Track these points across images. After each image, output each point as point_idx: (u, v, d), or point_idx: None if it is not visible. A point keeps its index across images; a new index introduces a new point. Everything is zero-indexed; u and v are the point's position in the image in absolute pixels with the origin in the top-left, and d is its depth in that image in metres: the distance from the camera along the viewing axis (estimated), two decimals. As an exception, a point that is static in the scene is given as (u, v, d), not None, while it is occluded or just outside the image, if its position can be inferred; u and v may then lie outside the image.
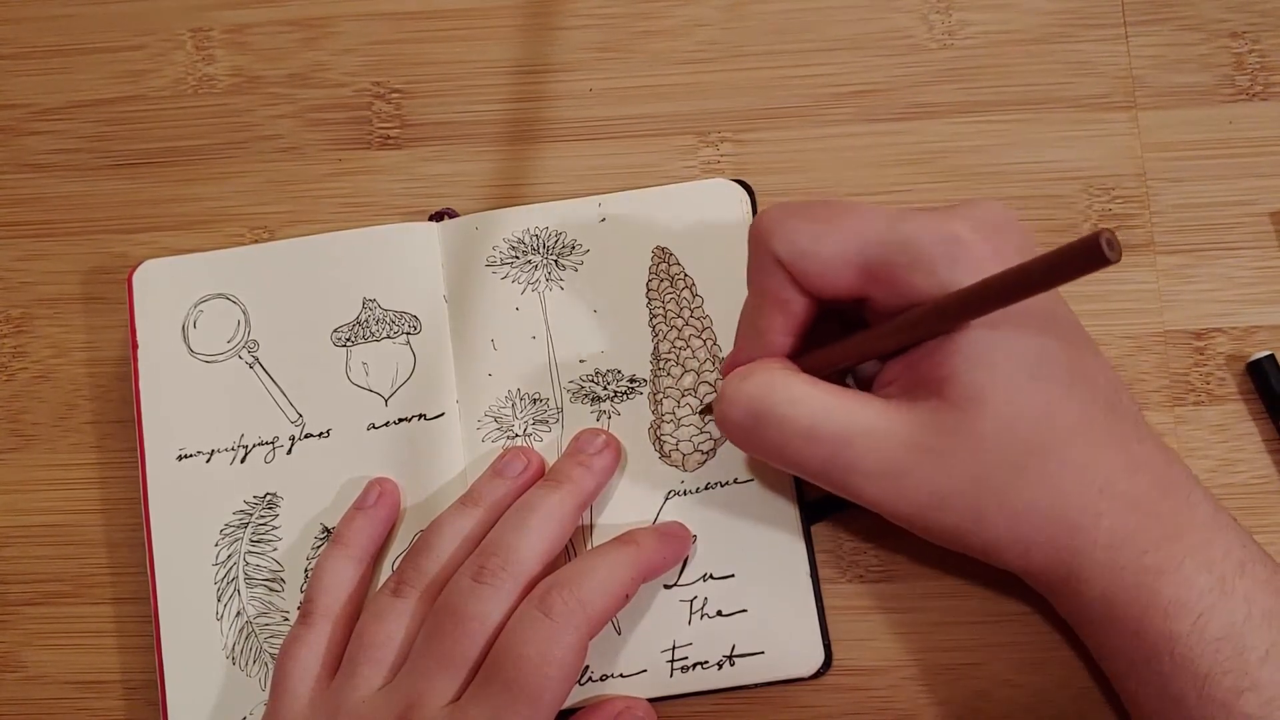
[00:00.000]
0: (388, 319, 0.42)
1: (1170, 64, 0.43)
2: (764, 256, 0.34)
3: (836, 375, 0.36)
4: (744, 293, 0.38)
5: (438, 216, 0.43)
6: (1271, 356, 0.40)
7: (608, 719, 0.38)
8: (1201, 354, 0.41)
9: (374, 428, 0.42)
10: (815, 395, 0.34)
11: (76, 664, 0.42)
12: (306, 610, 0.39)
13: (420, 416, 0.42)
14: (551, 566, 0.37)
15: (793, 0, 0.44)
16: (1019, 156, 0.43)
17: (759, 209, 0.42)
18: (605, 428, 0.41)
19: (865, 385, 0.38)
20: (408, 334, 0.42)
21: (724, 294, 0.41)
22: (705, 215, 0.42)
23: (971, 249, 0.32)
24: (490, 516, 0.39)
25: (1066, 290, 0.42)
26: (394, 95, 0.45)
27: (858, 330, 0.35)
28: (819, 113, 0.43)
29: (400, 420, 0.42)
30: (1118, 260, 0.26)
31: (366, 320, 0.42)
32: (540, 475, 0.40)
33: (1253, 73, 0.43)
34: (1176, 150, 0.42)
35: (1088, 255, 0.26)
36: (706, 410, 0.40)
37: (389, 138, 0.45)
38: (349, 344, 0.42)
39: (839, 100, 0.44)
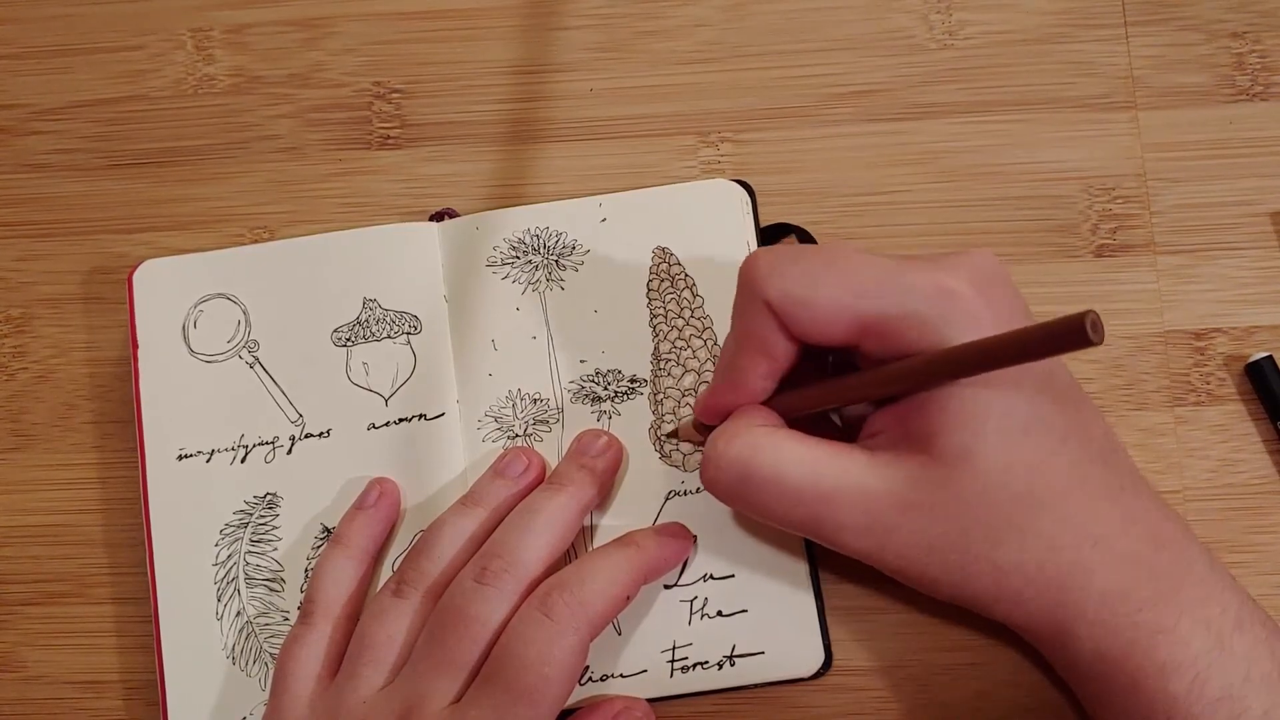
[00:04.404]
0: (388, 319, 0.42)
1: (1170, 64, 0.43)
2: (753, 300, 0.34)
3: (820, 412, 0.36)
4: None
5: (438, 216, 0.43)
6: (1270, 358, 0.40)
7: (607, 719, 0.38)
8: (1201, 354, 0.41)
9: (374, 428, 0.42)
10: (800, 454, 0.34)
11: (76, 664, 0.42)
12: (307, 610, 0.39)
13: (420, 416, 0.42)
14: (553, 568, 0.37)
15: (793, 0, 0.44)
16: (1019, 156, 0.43)
17: (759, 209, 0.42)
18: (606, 428, 0.41)
19: (849, 424, 0.38)
20: (408, 334, 0.42)
21: (724, 294, 0.41)
22: (706, 215, 0.42)
23: (967, 304, 0.32)
24: (492, 518, 0.39)
25: (1068, 294, 0.42)
26: (394, 95, 0.45)
27: (842, 374, 0.35)
28: (819, 113, 0.43)
29: (400, 420, 0.42)
30: (1100, 343, 0.26)
31: (367, 320, 0.42)
32: (542, 476, 0.40)
33: (1253, 73, 0.43)
34: (1176, 150, 0.42)
35: (1072, 335, 0.27)
36: (672, 435, 0.40)
37: (389, 138, 0.45)
38: (349, 344, 0.42)
39: (839, 100, 0.44)
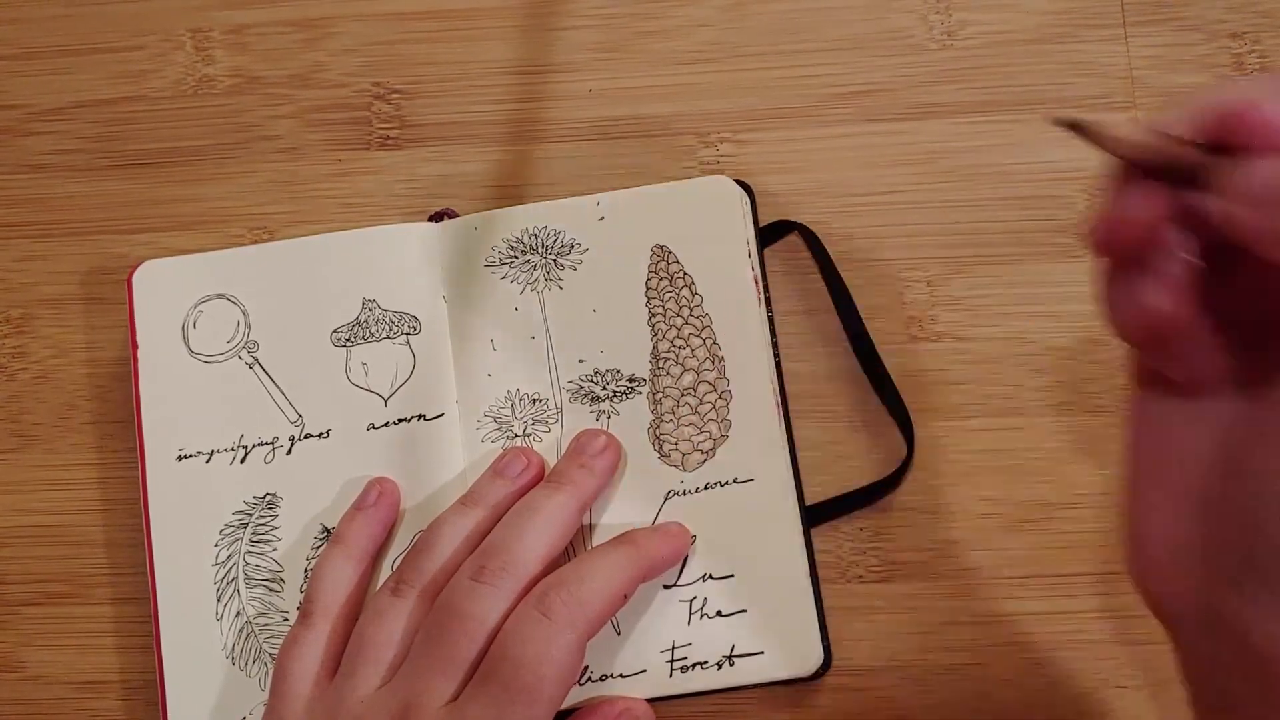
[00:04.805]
0: (387, 319, 0.42)
1: (1170, 64, 0.43)
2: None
3: None
4: (741, 292, 0.38)
5: (437, 217, 0.43)
6: (1272, 356, 0.40)
7: (608, 719, 0.38)
8: (1201, 354, 0.41)
9: (374, 428, 0.42)
10: None
11: (76, 664, 0.42)
12: (306, 610, 0.39)
13: (420, 417, 0.42)
14: (551, 567, 0.37)
15: (793, 0, 0.44)
16: (1019, 156, 0.43)
17: (759, 210, 0.42)
18: (605, 428, 0.41)
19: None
20: (407, 334, 0.42)
21: (723, 292, 0.41)
22: (704, 213, 0.42)
23: None
24: (490, 517, 0.39)
25: (1069, 294, 0.42)
26: (394, 96, 0.45)
27: None
28: (819, 113, 0.43)
29: (400, 420, 0.42)
30: None
31: (366, 320, 0.42)
32: (540, 476, 0.40)
33: (1253, 73, 0.43)
34: (1176, 150, 0.42)
35: None
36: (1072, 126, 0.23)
37: (389, 138, 0.45)
38: (349, 344, 0.42)
39: (839, 100, 0.44)
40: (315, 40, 0.46)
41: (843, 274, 0.42)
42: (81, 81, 0.46)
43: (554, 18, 0.45)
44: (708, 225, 0.42)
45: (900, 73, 0.44)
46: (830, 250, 0.42)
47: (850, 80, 0.44)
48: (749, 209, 0.42)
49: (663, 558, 0.38)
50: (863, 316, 0.42)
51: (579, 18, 0.45)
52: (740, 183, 0.42)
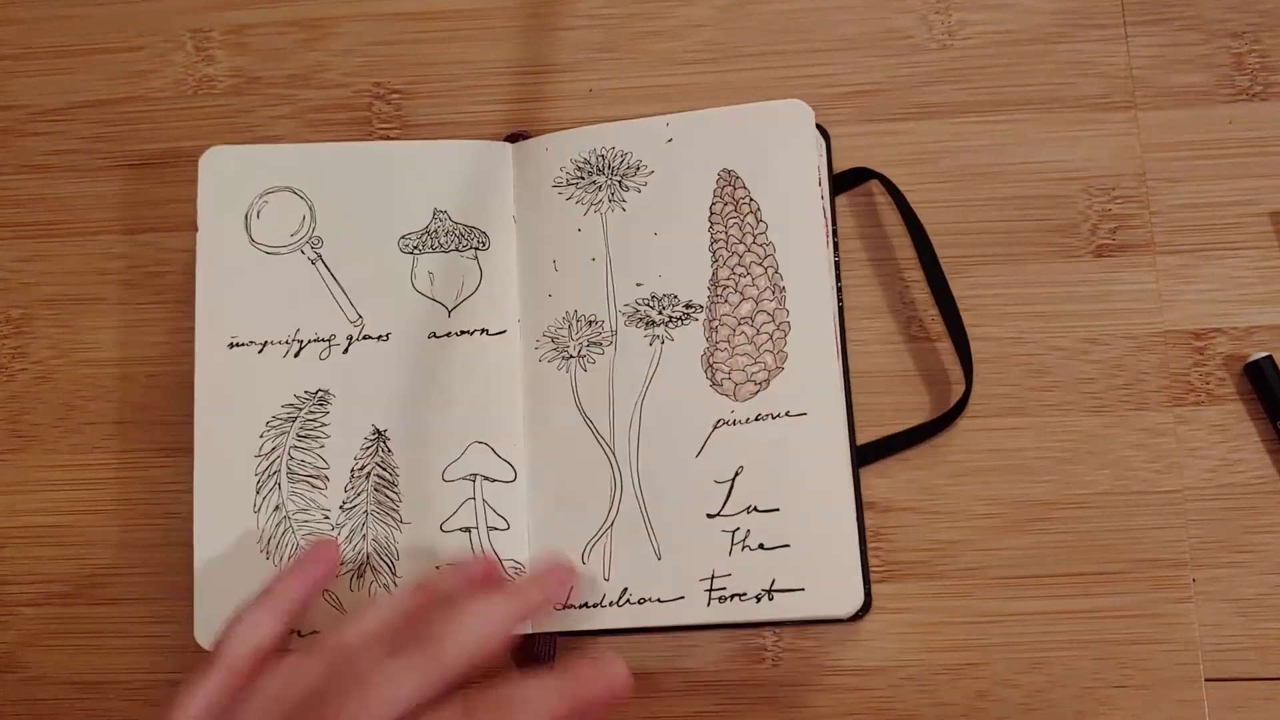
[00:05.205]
0: (458, 232, 0.42)
1: (1170, 64, 0.43)
2: None
3: None
4: (808, 221, 0.38)
5: (514, 137, 0.44)
6: (1270, 358, 0.40)
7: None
8: (1201, 354, 0.41)
9: (435, 336, 0.42)
10: None
11: (76, 664, 0.42)
12: (210, 657, 0.36)
13: (483, 331, 0.42)
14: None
15: (793, 0, 0.44)
16: (1019, 156, 0.43)
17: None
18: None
19: None
20: (476, 249, 0.42)
21: (789, 221, 0.41)
22: (774, 139, 0.41)
23: None
24: (429, 605, 0.36)
25: (1068, 294, 0.42)
26: (394, 96, 0.45)
27: None
28: (819, 113, 0.43)
29: (463, 333, 0.42)
30: None
31: (436, 230, 0.42)
32: (490, 579, 0.39)
33: (1252, 73, 0.43)
34: (1176, 150, 0.42)
35: None
36: None
37: (389, 138, 0.45)
38: (416, 251, 0.42)
39: (839, 100, 0.44)
40: (315, 40, 0.46)
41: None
42: (81, 81, 0.46)
43: (554, 18, 0.45)
44: (778, 151, 0.41)
45: (900, 73, 0.44)
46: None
47: (850, 80, 0.44)
48: (823, 140, 0.42)
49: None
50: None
51: (579, 18, 0.45)
52: (818, 126, 0.42)
